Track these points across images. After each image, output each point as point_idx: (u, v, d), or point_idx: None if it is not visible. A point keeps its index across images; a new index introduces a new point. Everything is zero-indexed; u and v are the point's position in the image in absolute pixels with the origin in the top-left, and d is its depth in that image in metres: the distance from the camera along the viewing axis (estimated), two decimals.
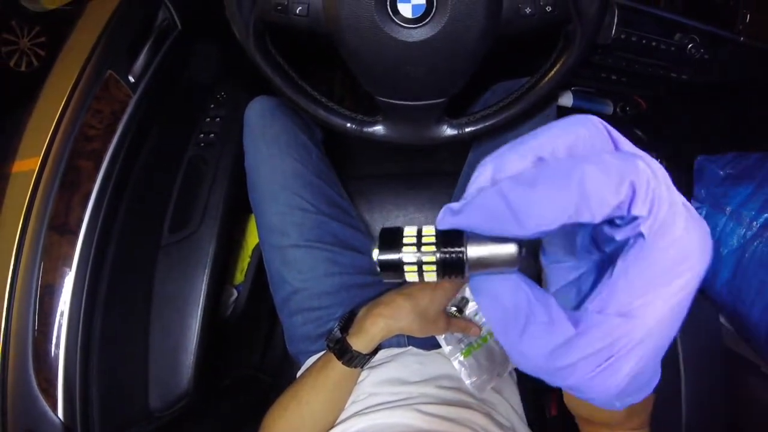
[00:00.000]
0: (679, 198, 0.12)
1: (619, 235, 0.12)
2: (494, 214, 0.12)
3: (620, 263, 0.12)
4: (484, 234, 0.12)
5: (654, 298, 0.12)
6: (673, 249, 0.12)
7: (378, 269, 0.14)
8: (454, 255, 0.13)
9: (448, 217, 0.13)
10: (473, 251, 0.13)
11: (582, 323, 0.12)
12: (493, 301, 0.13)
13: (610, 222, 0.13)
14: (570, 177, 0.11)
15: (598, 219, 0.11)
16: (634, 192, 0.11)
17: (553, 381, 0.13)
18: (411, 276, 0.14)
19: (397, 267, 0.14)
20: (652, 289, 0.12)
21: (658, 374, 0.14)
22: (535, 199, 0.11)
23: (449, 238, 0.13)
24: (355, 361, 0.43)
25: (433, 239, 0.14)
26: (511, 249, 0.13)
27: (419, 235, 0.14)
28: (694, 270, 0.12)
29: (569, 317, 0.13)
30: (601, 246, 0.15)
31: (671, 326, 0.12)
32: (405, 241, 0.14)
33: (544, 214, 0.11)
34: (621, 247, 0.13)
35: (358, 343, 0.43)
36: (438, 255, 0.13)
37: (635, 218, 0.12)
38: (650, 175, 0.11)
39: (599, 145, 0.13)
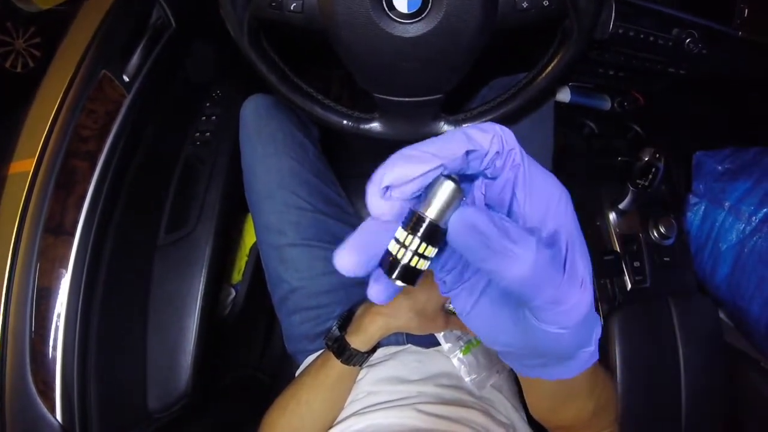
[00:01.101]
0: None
1: (500, 179, 0.16)
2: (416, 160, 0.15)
3: (518, 194, 0.16)
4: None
5: (553, 198, 0.16)
6: (538, 168, 0.16)
7: (401, 284, 0.16)
8: (423, 225, 0.15)
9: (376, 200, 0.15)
10: (429, 210, 0.15)
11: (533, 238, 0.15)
12: (472, 229, 0.15)
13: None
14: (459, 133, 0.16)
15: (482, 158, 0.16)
16: (501, 143, 0.16)
17: (537, 294, 0.15)
18: (422, 264, 0.16)
19: (408, 270, 0.16)
20: (547, 194, 0.16)
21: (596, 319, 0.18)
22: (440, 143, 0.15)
23: (409, 221, 0.16)
24: (354, 359, 0.43)
25: (405, 233, 0.16)
26: (449, 185, 0.15)
27: (400, 242, 0.16)
28: (559, 184, 0.16)
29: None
30: None
31: (575, 219, 0.16)
32: (397, 255, 0.16)
33: (452, 149, 0.15)
34: None
35: (357, 341, 0.42)
36: (417, 236, 0.15)
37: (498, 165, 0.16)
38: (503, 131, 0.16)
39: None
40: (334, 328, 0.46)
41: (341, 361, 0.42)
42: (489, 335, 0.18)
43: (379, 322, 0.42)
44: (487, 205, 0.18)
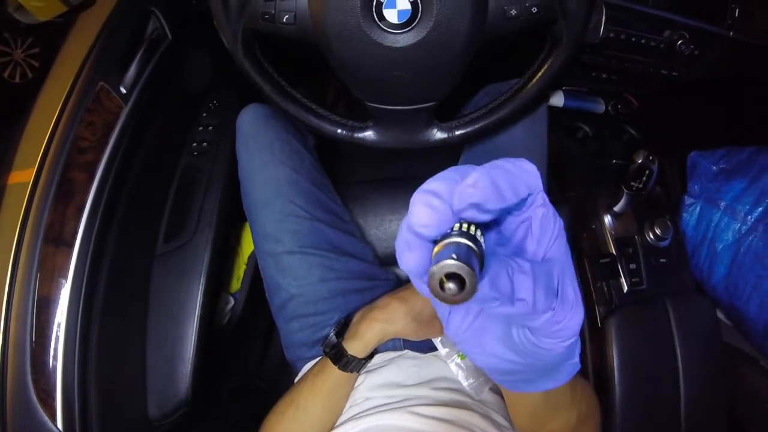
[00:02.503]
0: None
1: (522, 216, 0.19)
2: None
3: (534, 232, 0.19)
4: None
5: (554, 233, 0.18)
6: (551, 208, 0.19)
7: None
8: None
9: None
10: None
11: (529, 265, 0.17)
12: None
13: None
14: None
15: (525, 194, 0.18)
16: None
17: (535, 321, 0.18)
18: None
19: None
20: (550, 230, 0.18)
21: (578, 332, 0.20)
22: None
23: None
24: (351, 365, 0.43)
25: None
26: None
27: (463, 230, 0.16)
28: (559, 219, 0.19)
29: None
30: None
31: (570, 260, 0.19)
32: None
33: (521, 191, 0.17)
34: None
35: (354, 347, 0.43)
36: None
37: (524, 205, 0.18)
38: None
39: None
40: (332, 334, 0.46)
41: (339, 368, 0.43)
42: (481, 354, 0.20)
43: (376, 328, 0.43)
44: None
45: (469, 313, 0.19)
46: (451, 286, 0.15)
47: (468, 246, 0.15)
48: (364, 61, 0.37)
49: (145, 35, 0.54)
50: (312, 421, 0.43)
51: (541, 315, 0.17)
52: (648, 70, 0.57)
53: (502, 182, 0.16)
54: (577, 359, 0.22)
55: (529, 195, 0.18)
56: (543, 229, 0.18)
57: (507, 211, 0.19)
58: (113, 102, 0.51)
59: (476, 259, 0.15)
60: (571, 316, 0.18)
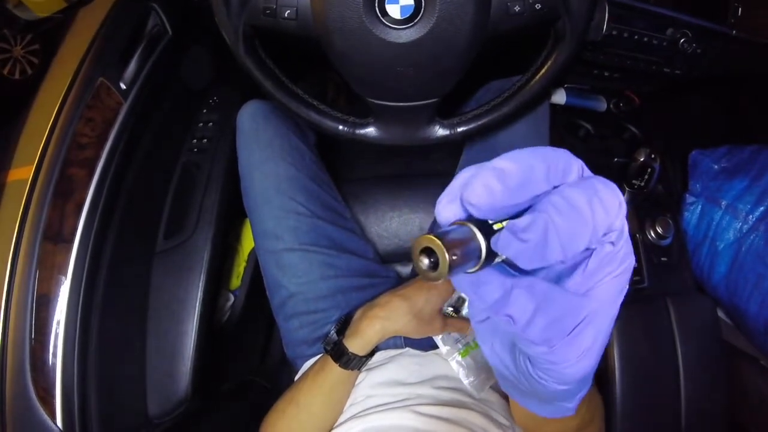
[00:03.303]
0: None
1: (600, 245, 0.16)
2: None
3: (591, 263, 0.16)
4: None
5: (612, 278, 0.16)
6: (625, 246, 0.16)
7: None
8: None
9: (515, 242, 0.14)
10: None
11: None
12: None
13: None
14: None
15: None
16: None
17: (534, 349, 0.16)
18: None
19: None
20: (607, 273, 0.16)
21: (596, 364, 0.18)
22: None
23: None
24: (352, 363, 0.43)
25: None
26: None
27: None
28: (631, 258, 0.17)
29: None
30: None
31: (615, 304, 0.17)
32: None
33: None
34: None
35: (355, 345, 0.43)
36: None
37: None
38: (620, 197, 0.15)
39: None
40: (332, 332, 0.46)
41: (339, 365, 0.42)
42: (488, 351, 0.20)
43: (377, 325, 0.42)
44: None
45: (492, 333, 0.19)
46: (423, 259, 0.14)
47: (472, 234, 0.14)
48: (366, 57, 0.37)
49: (145, 31, 0.53)
50: (313, 419, 0.43)
51: (533, 345, 0.16)
52: (650, 68, 0.56)
53: (555, 235, 0.14)
54: (573, 405, 0.20)
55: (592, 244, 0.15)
56: (600, 266, 0.15)
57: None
58: (113, 98, 0.51)
59: (475, 252, 0.14)
60: (574, 364, 0.16)
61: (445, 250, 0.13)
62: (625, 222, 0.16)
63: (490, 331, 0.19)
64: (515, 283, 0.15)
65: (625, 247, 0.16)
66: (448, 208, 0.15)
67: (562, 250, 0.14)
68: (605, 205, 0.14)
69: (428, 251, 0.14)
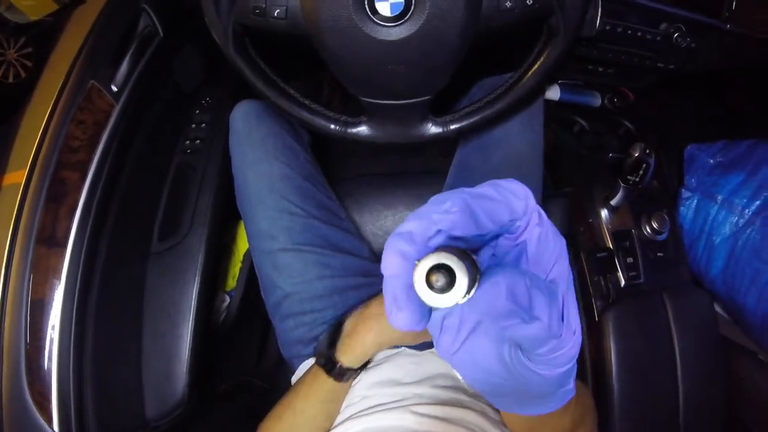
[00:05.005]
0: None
1: (517, 239, 0.18)
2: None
3: (530, 251, 0.18)
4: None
5: (554, 253, 0.18)
6: (551, 227, 0.18)
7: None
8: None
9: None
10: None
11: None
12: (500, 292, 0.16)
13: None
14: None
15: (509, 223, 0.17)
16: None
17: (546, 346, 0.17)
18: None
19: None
20: (550, 251, 0.17)
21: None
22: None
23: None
24: (345, 376, 0.42)
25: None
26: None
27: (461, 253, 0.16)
28: (561, 238, 0.18)
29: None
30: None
31: (570, 272, 0.18)
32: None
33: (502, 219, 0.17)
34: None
35: (347, 359, 0.42)
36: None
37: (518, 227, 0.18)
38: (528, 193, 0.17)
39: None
40: (323, 340, 0.44)
41: (333, 378, 0.42)
42: (473, 374, 0.19)
43: (369, 341, 0.41)
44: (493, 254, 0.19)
45: (460, 332, 0.17)
46: (440, 278, 0.14)
47: (456, 250, 0.15)
48: (356, 55, 0.37)
49: (136, 32, 0.53)
50: (308, 424, 0.42)
51: (551, 341, 0.16)
52: (644, 63, 0.56)
53: (479, 209, 0.16)
54: (572, 385, 0.20)
55: (516, 219, 0.17)
56: (540, 249, 0.17)
57: (499, 234, 0.18)
58: (104, 100, 0.50)
59: (468, 261, 0.14)
60: (573, 342, 0.17)
61: (456, 258, 0.14)
62: (540, 209, 0.18)
63: (470, 353, 0.18)
64: (529, 281, 0.16)
65: (551, 228, 0.18)
66: (398, 314, 0.16)
67: (490, 219, 0.16)
68: (510, 189, 0.17)
69: (438, 270, 0.14)
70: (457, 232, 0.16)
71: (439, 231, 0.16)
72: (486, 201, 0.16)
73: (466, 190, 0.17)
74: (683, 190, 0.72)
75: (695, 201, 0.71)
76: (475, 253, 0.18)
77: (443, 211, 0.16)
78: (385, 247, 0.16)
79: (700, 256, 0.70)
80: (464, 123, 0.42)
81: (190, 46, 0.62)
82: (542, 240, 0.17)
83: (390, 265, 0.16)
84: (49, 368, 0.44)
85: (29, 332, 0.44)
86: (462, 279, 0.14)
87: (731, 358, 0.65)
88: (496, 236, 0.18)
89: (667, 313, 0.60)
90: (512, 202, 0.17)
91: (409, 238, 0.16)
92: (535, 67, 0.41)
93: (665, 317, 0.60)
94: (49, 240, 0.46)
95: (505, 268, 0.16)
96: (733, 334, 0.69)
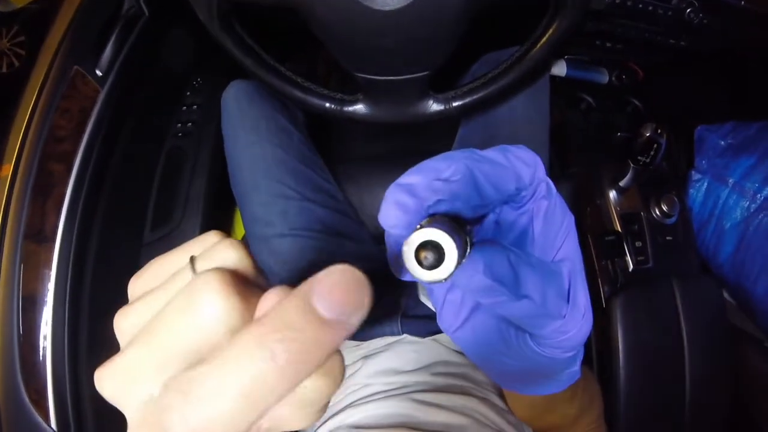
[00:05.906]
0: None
1: (524, 209, 0.17)
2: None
3: (536, 224, 0.17)
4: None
5: (563, 229, 0.17)
6: (560, 200, 0.17)
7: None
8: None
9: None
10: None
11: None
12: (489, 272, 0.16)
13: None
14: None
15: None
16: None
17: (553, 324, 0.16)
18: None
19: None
20: (557, 225, 0.16)
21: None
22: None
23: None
24: None
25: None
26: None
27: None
28: (570, 214, 0.17)
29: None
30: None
31: (579, 250, 0.17)
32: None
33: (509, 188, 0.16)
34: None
35: None
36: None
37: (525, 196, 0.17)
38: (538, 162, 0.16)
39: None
40: None
41: None
42: (476, 351, 0.19)
43: None
44: (496, 222, 0.18)
45: (462, 307, 0.17)
46: (428, 255, 0.13)
47: (448, 223, 0.14)
48: (350, 27, 0.34)
49: (120, 13, 0.50)
50: None
51: (551, 321, 0.16)
52: (655, 38, 0.54)
53: (483, 176, 0.15)
54: (578, 367, 0.20)
55: (522, 189, 0.16)
56: (548, 224, 0.16)
57: (503, 202, 0.17)
58: (89, 86, 0.48)
59: (458, 235, 0.14)
60: (581, 326, 0.16)
61: (447, 235, 0.13)
62: (549, 180, 0.16)
63: (473, 331, 0.18)
64: (515, 257, 0.15)
65: (559, 202, 0.17)
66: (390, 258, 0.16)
67: (493, 187, 0.15)
68: (519, 155, 0.16)
69: (427, 247, 0.14)
70: (458, 203, 0.15)
71: (439, 201, 0.15)
72: (492, 166, 0.15)
73: (474, 152, 0.15)
74: (693, 171, 0.70)
75: (705, 183, 0.68)
76: (477, 221, 0.17)
77: (445, 179, 0.15)
78: (384, 196, 0.15)
79: (708, 240, 0.68)
80: (467, 100, 0.40)
81: (179, 25, 0.59)
82: (549, 215, 0.16)
83: (389, 216, 0.15)
84: (44, 365, 0.43)
85: (22, 329, 0.43)
86: (451, 257, 0.13)
87: (738, 346, 0.64)
88: (503, 203, 0.17)
89: (676, 301, 0.58)
90: (520, 169, 0.16)
91: (410, 190, 0.15)
92: (542, 41, 0.39)
93: (674, 305, 0.58)
94: (38, 235, 0.45)
95: (488, 244, 0.16)
96: (740, 322, 0.67)
